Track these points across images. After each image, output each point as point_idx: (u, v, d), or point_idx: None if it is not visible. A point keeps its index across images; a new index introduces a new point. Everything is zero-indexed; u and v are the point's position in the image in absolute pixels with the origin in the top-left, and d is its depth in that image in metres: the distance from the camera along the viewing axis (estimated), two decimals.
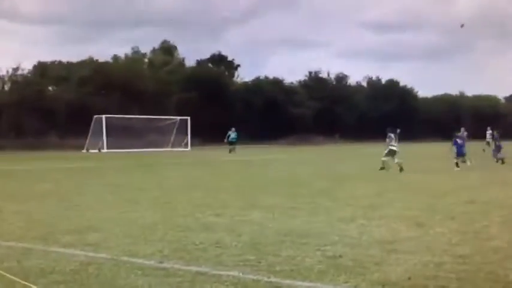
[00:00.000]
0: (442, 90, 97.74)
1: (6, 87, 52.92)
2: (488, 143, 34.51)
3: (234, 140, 37.08)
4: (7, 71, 51.96)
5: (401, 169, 19.26)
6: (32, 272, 5.54)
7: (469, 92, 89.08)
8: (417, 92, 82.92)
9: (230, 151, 35.27)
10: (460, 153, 20.89)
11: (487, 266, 5.68)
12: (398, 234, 7.49)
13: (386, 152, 20.29)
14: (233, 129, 37.70)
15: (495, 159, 24.32)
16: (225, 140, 37.59)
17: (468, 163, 20.85)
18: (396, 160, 19.85)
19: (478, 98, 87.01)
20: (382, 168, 19.65)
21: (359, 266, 5.69)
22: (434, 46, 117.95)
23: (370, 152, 30.80)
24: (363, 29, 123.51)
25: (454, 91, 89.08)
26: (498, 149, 25.02)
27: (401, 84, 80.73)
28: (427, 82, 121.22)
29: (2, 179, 18.30)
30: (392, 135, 20.56)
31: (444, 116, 77.07)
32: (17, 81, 52.65)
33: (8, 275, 5.27)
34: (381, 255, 6.20)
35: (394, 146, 20.21)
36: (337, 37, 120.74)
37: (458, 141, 21.17)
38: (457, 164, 20.48)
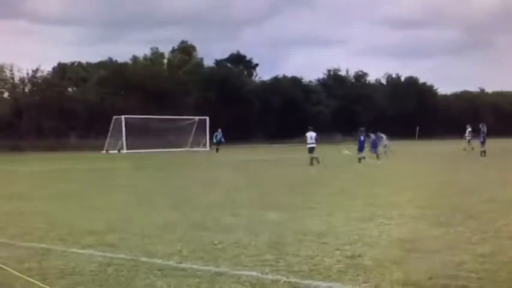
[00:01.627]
0: (462, 87, 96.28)
1: (27, 89, 53.61)
2: (469, 141, 33.18)
3: (219, 141, 39.38)
4: (27, 73, 52.66)
5: (313, 162, 22.70)
6: (52, 273, 5.60)
7: (489, 89, 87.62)
8: (437, 89, 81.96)
9: (217, 150, 37.60)
10: (361, 149, 23.82)
11: (508, 265, 5.59)
12: (418, 233, 7.40)
13: (307, 149, 23.76)
14: (219, 130, 39.88)
15: (375, 155, 25.26)
16: (213, 141, 39.99)
17: (360, 161, 23.23)
18: (315, 154, 23.28)
19: (498, 94, 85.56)
20: (312, 164, 22.71)
21: (379, 265, 5.64)
22: (454, 42, 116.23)
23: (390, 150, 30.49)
24: (382, 26, 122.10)
25: (473, 88, 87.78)
26: (375, 145, 25.97)
27: (421, 81, 79.87)
28: (446, 79, 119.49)
29: (22, 180, 18.59)
30: (309, 134, 24.03)
31: (464, 113, 75.99)
32: (37, 82, 53.24)
33: (25, 277, 5.33)
34: (401, 254, 6.13)
35: (311, 143, 23.78)
36: (356, 34, 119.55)
37: (361, 138, 24.09)
38: (359, 159, 23.26)
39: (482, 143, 27.83)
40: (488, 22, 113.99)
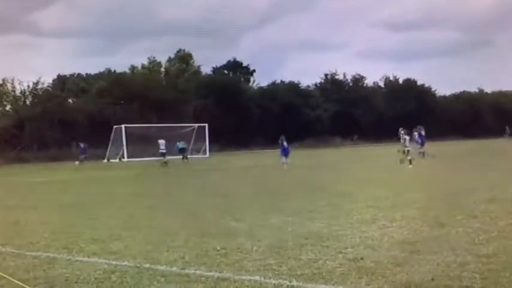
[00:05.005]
0: (461, 87, 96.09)
1: (28, 101, 53.89)
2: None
3: (183, 148, 40.87)
4: (28, 85, 52.98)
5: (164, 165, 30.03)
6: (58, 281, 5.65)
7: (489, 89, 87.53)
8: (435, 90, 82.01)
9: (183, 158, 38.61)
10: (285, 154, 25.44)
11: None
12: (420, 234, 7.42)
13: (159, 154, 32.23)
14: (182, 142, 41.38)
15: None
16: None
17: (285, 167, 24.42)
18: (166, 159, 31.62)
19: (498, 94, 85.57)
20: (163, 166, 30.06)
21: (381, 268, 5.66)
22: (451, 43, 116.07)
23: (388, 152, 30.59)
24: (379, 28, 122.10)
25: (473, 88, 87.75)
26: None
27: (419, 83, 79.93)
28: (445, 80, 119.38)
29: (26, 190, 18.63)
30: (160, 141, 32.14)
31: (463, 114, 76.07)
32: (38, 94, 53.61)
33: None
34: (403, 256, 6.15)
35: (162, 150, 32.18)
36: (352, 38, 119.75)
37: (285, 144, 25.77)
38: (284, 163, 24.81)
39: (422, 144, 28.52)
40: (487, 22, 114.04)
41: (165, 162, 31.12)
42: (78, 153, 39.83)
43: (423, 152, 27.79)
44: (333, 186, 15.36)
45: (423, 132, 29.17)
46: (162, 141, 32.60)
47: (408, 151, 22.32)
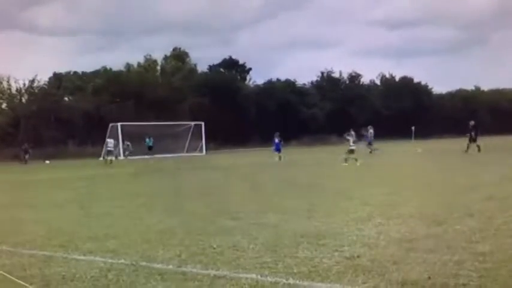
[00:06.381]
0: (457, 85, 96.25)
1: (24, 99, 53.76)
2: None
3: (151, 146, 43.56)
4: (24, 83, 52.86)
5: (109, 163, 32.01)
6: (54, 279, 5.64)
7: (485, 86, 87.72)
8: (431, 88, 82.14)
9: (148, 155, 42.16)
10: (277, 149, 27.54)
11: (508, 263, 5.60)
12: (416, 232, 7.42)
13: (106, 152, 33.73)
14: (151, 138, 43.80)
15: None
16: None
17: (279, 159, 26.55)
18: (113, 157, 33.37)
19: (494, 92, 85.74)
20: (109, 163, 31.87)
21: (377, 266, 5.66)
22: (448, 41, 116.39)
23: (385, 150, 30.66)
24: (375, 26, 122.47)
25: (469, 86, 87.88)
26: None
27: (415, 80, 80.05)
28: (441, 78, 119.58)
29: (22, 188, 18.59)
30: (108, 140, 34.53)
31: (459, 111, 76.20)
32: (34, 92, 53.50)
33: (27, 285, 5.36)
34: (400, 254, 6.15)
35: (110, 147, 33.80)
36: (349, 36, 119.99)
37: (276, 140, 28.03)
38: (280, 157, 26.90)
39: (370, 143, 33.08)
40: (483, 19, 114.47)
41: (110, 160, 32.77)
42: (23, 154, 42.62)
43: (373, 149, 31.50)
44: (329, 184, 15.37)
45: (369, 133, 33.69)
46: (110, 140, 35.10)
47: (352, 150, 23.21)
